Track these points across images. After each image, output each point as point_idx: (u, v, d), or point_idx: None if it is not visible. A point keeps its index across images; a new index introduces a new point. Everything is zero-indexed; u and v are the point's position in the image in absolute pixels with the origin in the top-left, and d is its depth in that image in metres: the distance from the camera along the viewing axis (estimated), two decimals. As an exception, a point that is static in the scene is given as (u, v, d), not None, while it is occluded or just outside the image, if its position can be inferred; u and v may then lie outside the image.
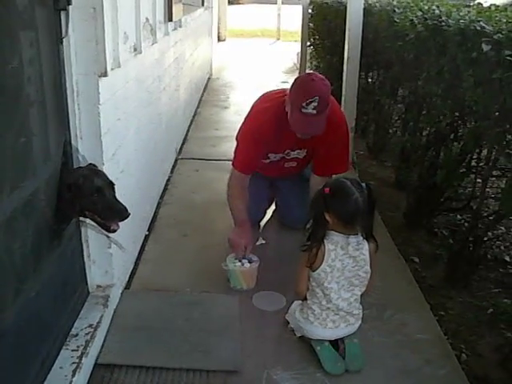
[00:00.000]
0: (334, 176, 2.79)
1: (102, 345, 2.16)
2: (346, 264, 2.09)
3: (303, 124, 2.60)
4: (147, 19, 2.94)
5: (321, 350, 2.14)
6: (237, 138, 3.03)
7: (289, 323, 2.33)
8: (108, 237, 2.24)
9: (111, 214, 1.97)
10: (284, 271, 2.76)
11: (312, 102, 2.50)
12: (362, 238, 2.12)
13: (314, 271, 2.12)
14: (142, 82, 2.88)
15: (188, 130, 5.44)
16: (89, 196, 1.92)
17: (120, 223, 2.02)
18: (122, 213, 1.98)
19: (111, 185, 2.00)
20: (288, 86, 2.70)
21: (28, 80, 1.69)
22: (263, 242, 3.04)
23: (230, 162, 2.95)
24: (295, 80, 2.69)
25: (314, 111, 2.52)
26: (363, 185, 2.07)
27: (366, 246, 2.12)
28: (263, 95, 3.00)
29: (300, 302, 2.28)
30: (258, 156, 2.89)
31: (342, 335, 2.17)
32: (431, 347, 2.28)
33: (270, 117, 2.77)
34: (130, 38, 2.52)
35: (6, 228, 1.55)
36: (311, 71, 2.81)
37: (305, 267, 2.16)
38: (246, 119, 2.97)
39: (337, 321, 2.14)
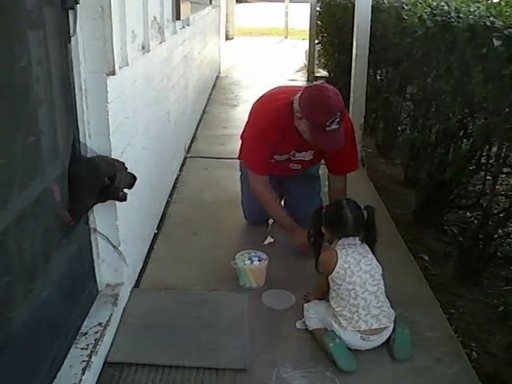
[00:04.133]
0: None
1: (112, 343, 2.16)
2: (358, 259, 2.21)
3: (330, 141, 2.61)
4: (155, 18, 2.94)
5: (333, 347, 2.13)
6: (242, 137, 3.02)
7: (302, 318, 2.33)
8: (115, 247, 2.27)
9: (130, 186, 2.17)
10: (293, 269, 2.77)
11: (335, 119, 2.51)
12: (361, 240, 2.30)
13: (332, 272, 2.21)
14: (150, 81, 2.88)
15: (197, 129, 5.44)
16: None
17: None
18: (135, 181, 2.19)
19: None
20: (296, 84, 2.68)
21: (36, 79, 1.69)
22: (272, 240, 3.03)
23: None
24: (308, 97, 2.60)
25: (337, 126, 2.53)
26: (361, 207, 2.32)
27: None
28: (264, 96, 2.98)
29: (322, 302, 2.32)
30: (268, 156, 2.89)
31: (375, 345, 2.18)
32: (441, 345, 2.26)
33: (274, 118, 2.75)
34: (137, 37, 2.52)
35: (15, 227, 1.56)
36: (319, 83, 2.75)
37: (322, 277, 2.31)
38: (249, 120, 2.97)
39: (369, 321, 2.13)
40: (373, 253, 2.28)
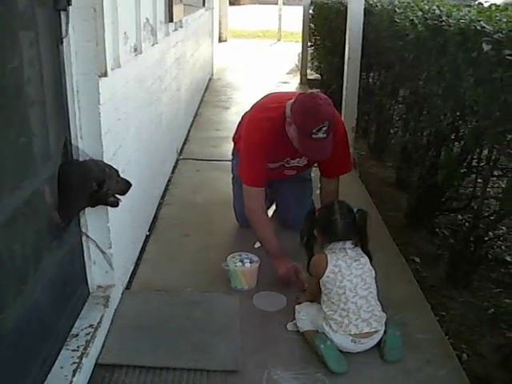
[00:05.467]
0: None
1: (103, 345, 2.16)
2: (349, 263, 2.20)
3: (314, 149, 2.60)
4: (147, 20, 2.94)
5: (324, 349, 2.13)
6: (234, 140, 3.00)
7: (294, 319, 2.34)
8: (103, 252, 2.27)
9: (123, 193, 2.17)
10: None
11: (323, 127, 2.49)
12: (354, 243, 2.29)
13: (322, 278, 2.20)
14: (142, 83, 2.88)
15: (189, 131, 5.44)
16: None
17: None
18: (129, 188, 2.19)
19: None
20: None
21: (28, 80, 1.69)
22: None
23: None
24: (299, 103, 2.59)
25: (324, 135, 2.51)
26: (354, 210, 2.30)
27: (359, 247, 2.28)
28: (256, 104, 2.97)
29: (313, 304, 2.32)
30: (265, 167, 2.85)
31: (366, 348, 2.17)
32: (432, 347, 2.27)
33: (268, 128, 2.73)
34: (130, 39, 2.52)
35: (6, 228, 1.55)
36: (314, 91, 2.73)
37: (313, 280, 2.30)
38: (242, 130, 2.94)
39: (359, 325, 2.13)
40: (369, 257, 2.27)
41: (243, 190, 2.85)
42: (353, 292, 2.15)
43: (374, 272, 2.23)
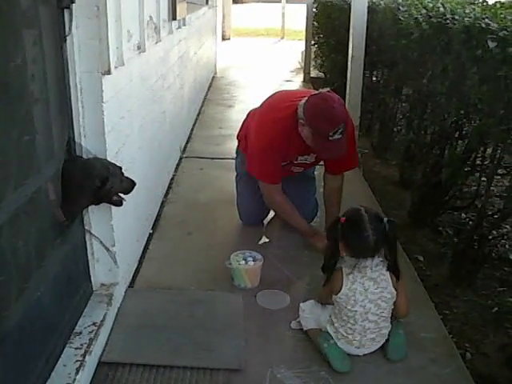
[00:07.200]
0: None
1: (106, 343, 2.16)
2: (367, 287, 2.08)
3: (332, 150, 2.63)
4: (151, 17, 2.94)
5: (328, 348, 2.12)
6: (238, 137, 3.01)
7: (297, 317, 2.32)
8: (107, 249, 2.27)
9: (126, 192, 2.16)
10: (288, 270, 2.77)
11: (339, 129, 2.52)
12: (379, 259, 2.12)
13: (336, 295, 2.12)
14: (146, 81, 2.87)
15: (192, 129, 5.44)
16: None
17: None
18: (133, 187, 2.20)
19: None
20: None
21: (31, 78, 1.69)
22: (266, 240, 3.03)
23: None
24: (313, 106, 2.60)
25: (340, 136, 2.55)
26: (384, 220, 2.08)
27: (384, 266, 2.12)
28: (265, 103, 2.97)
29: (318, 304, 2.29)
30: (279, 164, 2.89)
31: (370, 351, 2.16)
32: (435, 346, 2.27)
33: (280, 129, 2.76)
34: (133, 37, 2.51)
35: (9, 225, 1.55)
36: (325, 91, 2.69)
37: (326, 290, 2.20)
38: (255, 129, 2.93)
39: (363, 341, 2.12)
40: (397, 275, 2.11)
41: (262, 187, 2.94)
42: (363, 317, 2.09)
43: (395, 294, 2.11)
